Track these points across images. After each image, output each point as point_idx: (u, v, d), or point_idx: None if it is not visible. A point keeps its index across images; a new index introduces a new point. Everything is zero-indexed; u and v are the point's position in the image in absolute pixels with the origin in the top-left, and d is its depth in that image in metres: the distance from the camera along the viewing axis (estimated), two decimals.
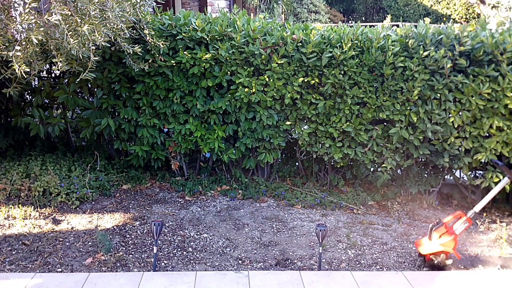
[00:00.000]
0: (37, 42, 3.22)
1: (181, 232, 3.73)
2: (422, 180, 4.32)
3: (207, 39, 4.22)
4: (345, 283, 3.05)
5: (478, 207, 3.28)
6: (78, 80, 3.89)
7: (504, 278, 3.19)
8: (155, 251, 3.13)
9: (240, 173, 4.70)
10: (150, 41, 4.02)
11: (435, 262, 3.22)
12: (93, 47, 3.36)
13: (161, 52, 4.22)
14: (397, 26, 4.67)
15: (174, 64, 4.30)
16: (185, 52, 4.22)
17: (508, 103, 3.84)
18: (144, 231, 3.71)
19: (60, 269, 3.13)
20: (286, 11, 14.92)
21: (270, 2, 13.35)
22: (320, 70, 4.15)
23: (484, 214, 4.17)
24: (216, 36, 4.23)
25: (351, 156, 4.30)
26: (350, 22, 20.17)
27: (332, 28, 4.24)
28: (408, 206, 4.30)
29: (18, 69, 3.19)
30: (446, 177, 4.42)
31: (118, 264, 3.21)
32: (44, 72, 4.86)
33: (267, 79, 4.21)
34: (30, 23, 3.24)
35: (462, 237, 3.79)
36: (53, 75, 4.91)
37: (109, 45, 3.75)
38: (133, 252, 3.38)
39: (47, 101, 4.76)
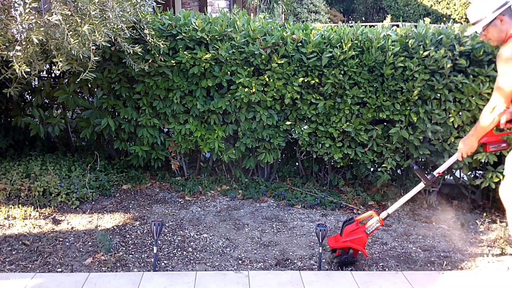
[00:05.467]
0: (37, 42, 3.22)
1: (181, 232, 3.73)
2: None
3: (207, 39, 4.22)
4: (345, 283, 3.05)
5: (391, 209, 3.24)
6: (78, 80, 3.89)
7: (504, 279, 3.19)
8: (155, 251, 3.13)
9: (240, 173, 4.70)
10: (150, 41, 4.02)
11: (343, 258, 3.22)
12: (93, 47, 3.36)
13: (161, 52, 4.22)
14: (397, 26, 4.67)
15: (174, 64, 4.30)
16: (185, 52, 4.22)
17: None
18: (144, 231, 3.71)
19: (60, 269, 3.13)
20: (286, 11, 14.92)
21: (270, 2, 13.35)
22: (320, 70, 4.15)
23: (484, 214, 4.17)
24: (216, 36, 4.23)
25: (351, 156, 4.30)
26: (350, 22, 20.18)
27: (332, 28, 4.24)
28: (408, 206, 4.30)
29: (19, 69, 3.19)
30: (446, 177, 4.42)
31: (118, 264, 3.21)
32: (44, 72, 4.86)
33: (267, 79, 4.21)
34: (30, 23, 3.24)
35: (462, 236, 3.79)
36: (53, 75, 4.91)
37: (109, 45, 3.75)
38: (133, 252, 3.38)
39: (47, 101, 4.76)
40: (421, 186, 3.20)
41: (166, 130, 4.67)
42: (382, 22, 17.04)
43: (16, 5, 3.32)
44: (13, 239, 3.49)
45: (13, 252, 3.32)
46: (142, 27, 4.04)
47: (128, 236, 3.63)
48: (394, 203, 4.34)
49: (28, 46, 3.32)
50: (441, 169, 3.18)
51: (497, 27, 2.82)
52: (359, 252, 3.24)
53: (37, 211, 3.90)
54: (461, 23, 4.24)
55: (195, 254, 3.40)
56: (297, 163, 4.88)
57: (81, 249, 3.39)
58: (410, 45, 3.96)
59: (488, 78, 3.85)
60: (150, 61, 4.14)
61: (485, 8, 2.82)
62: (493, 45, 2.98)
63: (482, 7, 2.84)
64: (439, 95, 3.97)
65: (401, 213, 4.20)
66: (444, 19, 17.08)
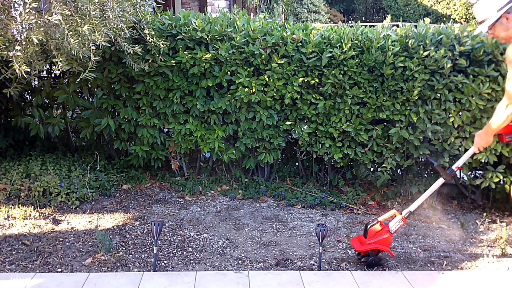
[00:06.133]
0: (37, 42, 3.22)
1: (181, 232, 3.73)
2: (422, 180, 4.32)
3: (207, 39, 4.22)
4: (345, 283, 3.05)
5: (413, 207, 3.28)
6: (78, 80, 3.89)
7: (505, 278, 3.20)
8: (155, 251, 3.13)
9: (240, 173, 4.70)
10: (150, 41, 4.02)
11: (370, 259, 3.24)
12: (93, 47, 3.35)
13: (161, 52, 4.22)
14: (397, 26, 4.66)
15: (174, 64, 4.30)
16: (185, 52, 4.22)
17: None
18: (144, 231, 3.71)
19: (60, 269, 3.13)
20: (286, 11, 14.92)
21: (270, 2, 13.35)
22: (320, 70, 4.15)
23: (484, 214, 4.17)
24: (216, 36, 4.23)
25: (351, 156, 4.30)
26: (350, 22, 20.18)
27: (332, 28, 4.24)
28: (408, 206, 4.29)
29: (19, 69, 3.19)
30: None
31: (118, 264, 3.21)
32: (44, 72, 4.86)
33: (267, 79, 4.21)
34: (30, 23, 3.24)
35: (462, 236, 3.79)
36: (53, 75, 4.91)
37: (109, 45, 3.75)
38: (133, 252, 3.38)
39: (47, 101, 4.76)
40: (441, 181, 3.26)
41: (166, 130, 4.67)
42: (382, 22, 17.04)
43: (16, 5, 3.32)
44: (13, 239, 3.49)
45: (13, 252, 3.32)
46: (142, 27, 4.04)
47: (128, 236, 3.63)
48: (394, 203, 4.37)
49: (28, 46, 3.32)
50: (459, 163, 3.23)
51: (503, 25, 2.83)
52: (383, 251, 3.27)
53: (37, 211, 3.90)
54: (461, 23, 4.24)
55: (195, 254, 3.40)
56: (297, 163, 4.88)
57: (81, 249, 3.39)
58: (410, 45, 3.96)
59: (488, 78, 3.85)
60: (150, 61, 4.14)
61: (490, 7, 2.83)
62: (502, 43, 3.01)
63: (487, 6, 2.85)
64: (439, 95, 3.97)
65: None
66: (444, 19, 17.08)
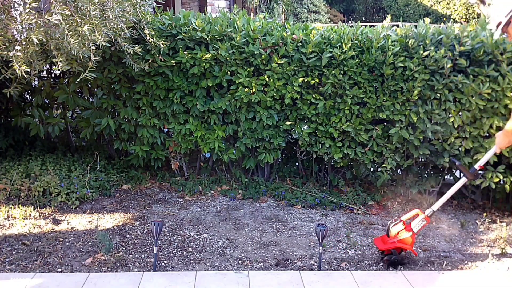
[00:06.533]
0: (37, 42, 3.22)
1: (181, 232, 3.73)
2: (422, 180, 4.32)
3: (207, 39, 4.22)
4: (345, 283, 3.05)
5: (436, 206, 3.29)
6: (78, 80, 3.89)
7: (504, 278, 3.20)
8: (155, 251, 3.13)
9: (240, 173, 4.70)
10: (150, 41, 4.02)
11: (393, 258, 3.25)
12: (93, 47, 3.35)
13: (161, 52, 4.22)
14: (397, 26, 4.67)
15: (174, 64, 4.30)
16: (185, 52, 4.22)
17: (508, 103, 3.84)
18: (144, 231, 3.71)
19: (60, 269, 3.13)
20: (286, 11, 14.92)
21: (270, 2, 13.35)
22: (320, 70, 4.15)
23: (484, 214, 4.17)
24: (216, 36, 4.23)
25: (351, 156, 4.30)
26: (350, 22, 20.17)
27: (332, 28, 4.24)
28: (408, 206, 4.30)
29: (19, 69, 3.19)
30: (446, 177, 4.42)
31: (118, 264, 3.21)
32: (44, 72, 4.86)
33: (267, 79, 4.21)
34: (30, 23, 3.24)
35: (462, 236, 3.79)
36: (53, 75, 4.91)
37: (109, 45, 3.75)
38: (133, 252, 3.38)
39: (47, 101, 4.76)
40: (463, 180, 3.26)
41: (166, 130, 4.67)
42: (382, 22, 17.05)
43: (16, 5, 3.32)
44: (13, 239, 3.49)
45: (13, 252, 3.32)
46: (142, 27, 4.04)
47: (128, 236, 3.63)
48: (394, 203, 4.37)
49: (28, 46, 3.32)
50: (481, 162, 3.24)
51: None
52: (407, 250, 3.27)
53: (37, 211, 3.90)
54: (461, 23, 4.25)
55: (195, 254, 3.40)
56: (297, 163, 4.88)
57: (81, 249, 3.39)
58: (410, 45, 3.96)
59: (488, 78, 3.85)
60: (150, 61, 4.14)
61: (501, 12, 2.91)
62: None
63: (498, 12, 2.93)
64: (439, 95, 3.97)
65: (401, 213, 4.20)
66: (444, 19, 17.08)
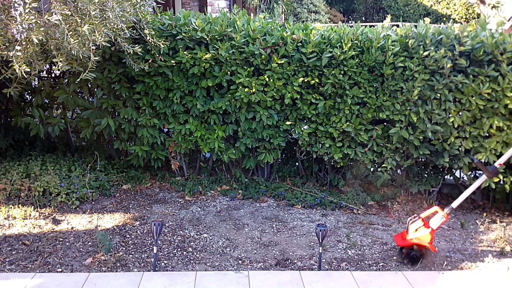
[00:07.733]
0: (37, 42, 3.22)
1: (181, 232, 3.73)
2: (422, 180, 4.32)
3: (207, 39, 4.22)
4: (345, 283, 3.05)
5: (455, 203, 3.31)
6: (78, 80, 3.89)
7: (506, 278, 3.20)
8: (155, 251, 3.13)
9: (240, 173, 4.70)
10: (150, 41, 4.02)
11: (411, 254, 3.27)
12: (93, 47, 3.36)
13: (161, 52, 4.22)
14: (397, 26, 4.67)
15: (174, 64, 4.30)
16: (185, 52, 4.22)
17: (508, 103, 3.84)
18: (144, 231, 3.71)
19: (60, 269, 3.13)
20: (286, 11, 14.91)
21: (270, 2, 13.35)
22: (320, 70, 4.15)
23: (484, 214, 4.17)
24: (216, 36, 4.23)
25: (351, 156, 4.30)
26: (350, 22, 20.17)
27: (332, 28, 4.24)
28: (408, 206, 4.30)
29: (19, 69, 3.19)
30: (446, 177, 4.42)
31: (118, 264, 3.21)
32: (44, 72, 4.86)
33: (267, 79, 4.21)
34: (30, 23, 3.24)
35: (462, 236, 3.80)
36: (53, 75, 4.91)
37: (109, 45, 3.75)
38: (133, 252, 3.38)
39: (47, 101, 4.76)
40: (483, 178, 3.28)
41: (166, 130, 4.67)
42: (382, 22, 17.04)
43: (16, 5, 3.32)
44: (13, 239, 3.49)
45: (13, 252, 3.32)
46: (142, 27, 4.04)
47: (128, 236, 3.63)
48: (394, 203, 4.37)
49: (28, 46, 3.32)
50: (501, 160, 3.25)
51: None
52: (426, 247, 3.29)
53: (37, 211, 3.90)
54: (461, 23, 4.25)
55: (195, 254, 3.40)
56: (297, 163, 4.88)
57: (81, 249, 3.39)
58: (410, 45, 3.96)
59: (488, 78, 3.85)
60: (150, 61, 4.14)
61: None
62: None
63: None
64: (439, 95, 3.97)
65: (401, 213, 4.20)
66: (444, 19, 17.08)
